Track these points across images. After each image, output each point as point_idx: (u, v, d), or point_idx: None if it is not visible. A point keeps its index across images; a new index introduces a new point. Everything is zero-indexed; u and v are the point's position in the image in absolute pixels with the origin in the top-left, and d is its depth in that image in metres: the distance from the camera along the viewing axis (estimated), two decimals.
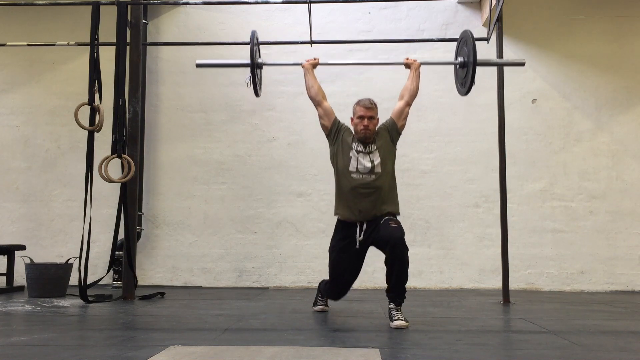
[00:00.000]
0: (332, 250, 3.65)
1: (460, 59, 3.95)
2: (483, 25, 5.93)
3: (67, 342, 2.82)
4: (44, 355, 2.48)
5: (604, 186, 5.86)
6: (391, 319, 3.32)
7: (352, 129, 3.64)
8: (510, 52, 5.84)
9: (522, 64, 4.22)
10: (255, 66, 3.80)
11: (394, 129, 3.65)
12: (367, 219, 3.50)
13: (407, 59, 3.87)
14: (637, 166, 5.88)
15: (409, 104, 3.70)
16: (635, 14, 5.99)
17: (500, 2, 4.58)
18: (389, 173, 3.58)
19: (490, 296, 5.09)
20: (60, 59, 6.26)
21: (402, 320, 3.28)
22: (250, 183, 6.06)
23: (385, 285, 3.46)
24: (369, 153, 3.54)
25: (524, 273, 5.77)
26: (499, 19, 4.71)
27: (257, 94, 3.94)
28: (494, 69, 4.84)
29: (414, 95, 3.72)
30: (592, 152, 5.91)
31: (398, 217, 3.57)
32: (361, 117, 3.54)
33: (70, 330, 3.24)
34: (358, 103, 3.60)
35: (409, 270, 3.40)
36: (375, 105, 3.59)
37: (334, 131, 3.67)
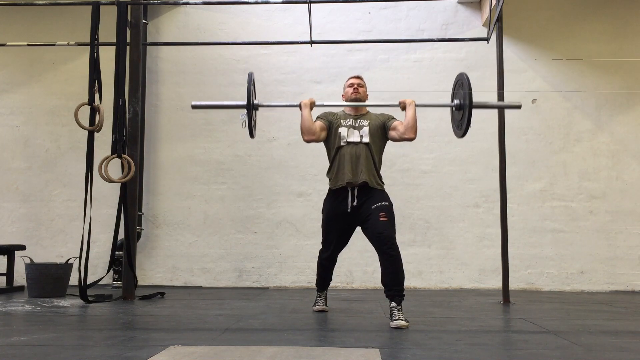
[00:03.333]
0: (324, 210, 3.78)
1: (456, 102, 3.93)
2: (483, 25, 5.94)
3: (67, 342, 2.82)
4: (44, 355, 2.48)
5: (604, 186, 5.86)
6: (391, 318, 3.32)
7: (338, 112, 3.78)
8: (510, 52, 5.84)
9: (519, 107, 4.14)
10: (251, 107, 3.77)
11: (386, 125, 3.70)
12: (358, 184, 3.57)
13: (403, 99, 3.74)
14: (637, 166, 5.88)
15: (401, 139, 3.67)
16: (635, 14, 6.00)
17: (500, 2, 4.58)
18: (377, 146, 3.68)
19: (490, 296, 5.09)
20: (60, 59, 6.26)
21: (402, 320, 3.28)
22: (250, 183, 6.06)
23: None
24: (359, 128, 3.67)
25: (524, 273, 5.77)
26: (499, 19, 4.71)
27: (252, 135, 3.90)
28: (494, 69, 4.84)
29: (410, 138, 3.64)
30: (592, 152, 5.91)
31: (386, 194, 3.62)
32: (352, 84, 3.79)
33: (70, 330, 3.24)
34: (348, 79, 3.87)
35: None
36: (363, 80, 3.86)
37: (329, 126, 3.74)
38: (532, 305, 4.51)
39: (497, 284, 5.43)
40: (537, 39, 6.02)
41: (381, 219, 3.48)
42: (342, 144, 3.64)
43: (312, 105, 3.74)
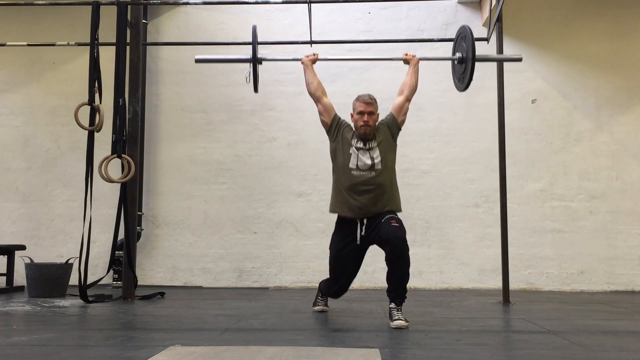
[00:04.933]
0: (332, 247, 3.64)
1: (458, 55, 3.93)
2: (483, 25, 5.94)
3: (67, 342, 2.82)
4: (44, 355, 2.48)
5: (604, 186, 5.86)
6: (391, 318, 3.32)
7: (352, 125, 3.64)
8: (510, 52, 5.82)
9: (519, 60, 4.22)
10: (256, 61, 3.78)
11: (394, 125, 3.65)
12: (368, 216, 3.50)
13: (406, 54, 3.89)
14: (637, 166, 5.88)
15: (408, 99, 3.70)
16: (635, 14, 6.00)
17: (500, 2, 4.58)
18: (390, 169, 3.58)
19: (490, 296, 5.09)
20: (60, 59, 6.26)
21: (402, 320, 3.28)
22: (250, 183, 6.06)
23: (386, 285, 3.46)
24: (369, 150, 3.53)
25: (524, 273, 5.77)
26: (499, 19, 4.71)
27: (256, 89, 3.93)
28: (494, 69, 4.83)
29: (413, 90, 3.72)
30: (592, 152, 5.91)
31: (399, 214, 3.56)
32: (361, 113, 3.53)
33: (70, 330, 3.24)
34: (357, 99, 3.60)
35: (409, 270, 3.40)
36: (374, 100, 3.58)
37: (334, 127, 3.66)
38: (532, 305, 4.51)
39: (497, 284, 5.42)
40: (537, 39, 6.02)
41: (393, 223, 3.41)
42: (351, 166, 3.51)
43: (315, 61, 3.81)
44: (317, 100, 3.72)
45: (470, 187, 5.92)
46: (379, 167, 3.51)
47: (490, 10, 4.87)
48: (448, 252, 5.86)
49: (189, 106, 6.18)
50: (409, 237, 3.43)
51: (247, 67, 3.89)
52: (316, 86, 3.71)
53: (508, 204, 4.76)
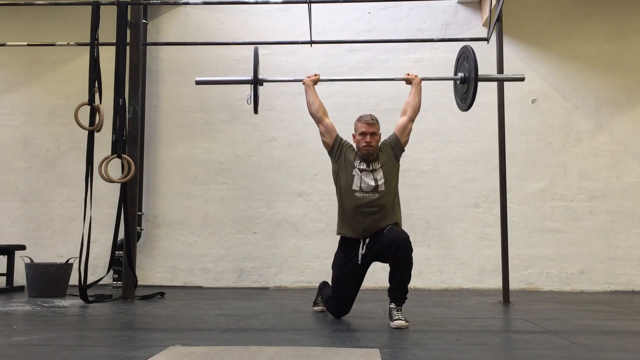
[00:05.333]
0: (334, 266, 3.63)
1: (460, 75, 3.92)
2: (483, 25, 5.94)
3: (67, 342, 2.82)
4: (44, 355, 2.47)
5: (604, 186, 5.86)
6: (391, 318, 3.32)
7: (354, 145, 3.62)
8: (510, 52, 5.83)
9: (522, 79, 4.20)
10: (257, 82, 3.77)
11: (397, 146, 3.64)
12: (371, 235, 3.50)
13: (408, 74, 3.86)
14: (637, 166, 5.88)
15: (412, 120, 3.68)
16: (635, 14, 6.00)
17: (500, 3, 4.58)
18: (392, 191, 3.56)
19: (490, 296, 5.09)
20: (60, 59, 6.26)
21: (402, 320, 3.28)
22: (250, 183, 6.06)
23: (387, 285, 3.46)
24: (372, 171, 3.52)
25: (524, 273, 5.77)
26: (499, 19, 4.71)
27: (256, 110, 3.91)
28: (494, 69, 4.83)
29: (416, 111, 3.70)
30: (592, 152, 5.91)
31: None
32: (363, 134, 3.51)
33: (70, 330, 3.24)
34: (359, 119, 3.58)
35: (411, 271, 3.40)
36: (376, 120, 3.56)
37: (335, 148, 3.64)
38: (532, 305, 4.51)
39: (497, 284, 5.42)
40: (537, 39, 6.02)
41: (396, 229, 3.43)
42: (354, 188, 3.49)
43: (316, 82, 3.80)
44: (318, 121, 3.70)
45: (470, 187, 5.92)
46: (383, 188, 3.49)
47: (490, 10, 4.87)
48: (448, 252, 5.86)
49: (189, 106, 6.18)
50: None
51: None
52: (317, 107, 3.70)
53: (508, 204, 4.75)
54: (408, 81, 3.83)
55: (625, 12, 5.99)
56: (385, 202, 3.50)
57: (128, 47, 4.79)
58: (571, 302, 4.78)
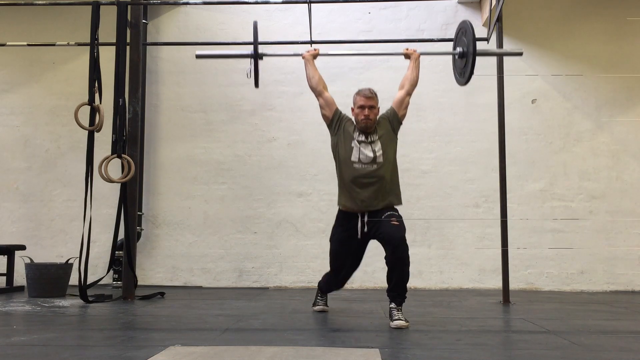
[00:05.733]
0: (332, 240, 3.66)
1: (459, 49, 3.94)
2: (483, 25, 5.94)
3: (67, 342, 2.82)
4: (44, 355, 2.48)
5: (604, 186, 5.86)
6: (391, 318, 3.32)
7: (353, 119, 3.65)
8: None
9: (520, 54, 4.27)
10: (257, 57, 3.78)
11: (395, 119, 3.66)
12: (369, 210, 3.50)
13: (407, 49, 3.90)
14: (637, 166, 5.88)
15: (409, 93, 3.72)
16: (635, 14, 5.99)
17: (500, 2, 4.58)
18: (391, 162, 3.59)
19: (490, 296, 5.09)
20: (60, 59, 6.26)
21: (402, 320, 3.28)
22: (250, 183, 6.06)
23: (386, 285, 3.46)
24: (371, 143, 3.54)
25: (524, 273, 5.77)
26: (499, 19, 4.71)
27: (257, 84, 3.92)
28: (494, 69, 4.83)
29: (414, 84, 3.74)
30: (592, 152, 5.91)
31: (399, 207, 3.57)
32: (362, 107, 3.54)
33: (70, 330, 3.24)
34: (358, 93, 3.61)
35: (409, 270, 3.40)
36: (375, 94, 3.60)
37: (335, 121, 3.66)
38: (532, 305, 4.51)
39: (497, 284, 5.42)
40: (537, 39, 6.02)
41: (393, 221, 3.43)
42: (353, 159, 3.52)
43: (316, 56, 3.80)
44: (318, 94, 3.71)
45: (470, 187, 5.92)
46: (381, 159, 3.52)
47: (490, 10, 4.87)
48: (448, 252, 5.86)
49: (189, 106, 6.18)
50: (408, 237, 3.43)
51: (248, 65, 3.88)
52: (317, 80, 3.71)
53: (508, 204, 4.76)
54: (407, 55, 3.86)
55: (625, 12, 5.99)
56: (384, 173, 3.51)
57: (128, 47, 4.79)
58: (571, 302, 4.78)
